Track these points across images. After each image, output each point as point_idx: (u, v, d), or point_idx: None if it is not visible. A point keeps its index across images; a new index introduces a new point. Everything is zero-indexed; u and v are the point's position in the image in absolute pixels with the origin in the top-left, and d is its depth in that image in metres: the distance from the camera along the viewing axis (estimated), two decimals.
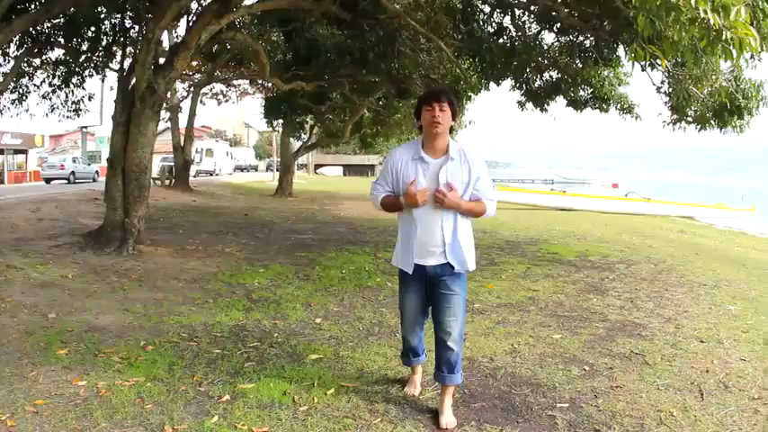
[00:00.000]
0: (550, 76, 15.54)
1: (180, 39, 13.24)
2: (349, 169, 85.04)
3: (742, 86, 10.58)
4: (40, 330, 6.50)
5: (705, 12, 4.37)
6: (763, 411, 4.66)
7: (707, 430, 4.31)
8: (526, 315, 7.54)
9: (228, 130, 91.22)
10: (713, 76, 10.20)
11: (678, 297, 8.91)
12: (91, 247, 11.89)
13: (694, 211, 36.19)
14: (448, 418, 4.36)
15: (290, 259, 11.47)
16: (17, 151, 49.11)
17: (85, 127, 54.24)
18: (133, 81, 12.86)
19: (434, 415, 4.45)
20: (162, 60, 13.30)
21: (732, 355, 6.08)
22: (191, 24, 13.17)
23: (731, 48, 4.99)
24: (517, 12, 13.58)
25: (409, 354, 4.83)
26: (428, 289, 4.44)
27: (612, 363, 5.73)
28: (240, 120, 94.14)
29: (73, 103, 20.71)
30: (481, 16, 13.83)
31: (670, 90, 11.24)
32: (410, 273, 4.40)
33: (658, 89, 11.49)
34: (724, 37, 4.72)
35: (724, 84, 10.70)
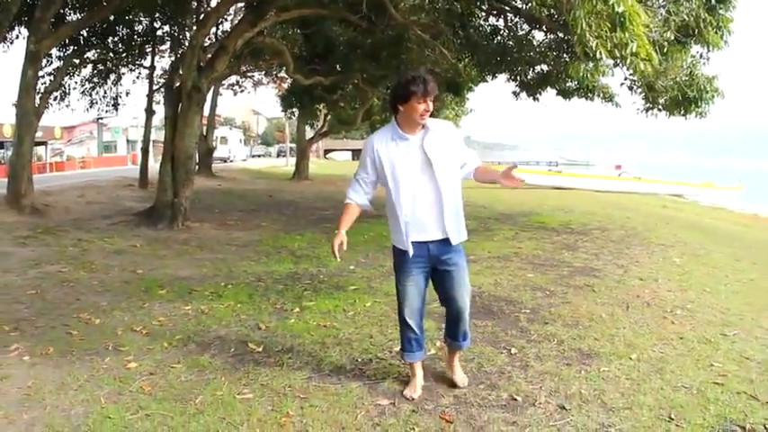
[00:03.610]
0: (541, 69, 17.27)
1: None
2: (357, 154, 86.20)
3: (696, 81, 12.57)
4: (135, 281, 8.55)
5: (599, 53, 6.54)
6: (669, 318, 6.71)
7: (623, 325, 6.37)
8: (509, 263, 9.69)
9: (237, 118, 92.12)
10: (670, 73, 12.15)
11: (635, 252, 11.04)
12: (144, 224, 13.93)
13: (683, 190, 38.13)
14: (462, 376, 4.74)
15: (319, 229, 13.59)
16: (37, 143, 50.62)
17: (101, 118, 55.74)
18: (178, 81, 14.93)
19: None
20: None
21: (662, 288, 8.19)
22: (229, 31, 15.19)
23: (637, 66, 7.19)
24: (509, 15, 15.44)
25: (412, 343, 4.62)
26: (430, 267, 4.45)
27: (567, 290, 7.91)
28: (249, 107, 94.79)
29: (112, 98, 22.72)
30: (478, 21, 15.75)
31: (638, 83, 13.23)
32: (411, 253, 4.36)
33: (622, 84, 13.50)
34: (628, 62, 6.92)
35: (684, 78, 12.68)
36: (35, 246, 11.12)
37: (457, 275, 4.42)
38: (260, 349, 5.57)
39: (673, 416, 4.19)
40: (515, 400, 4.48)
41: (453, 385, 4.65)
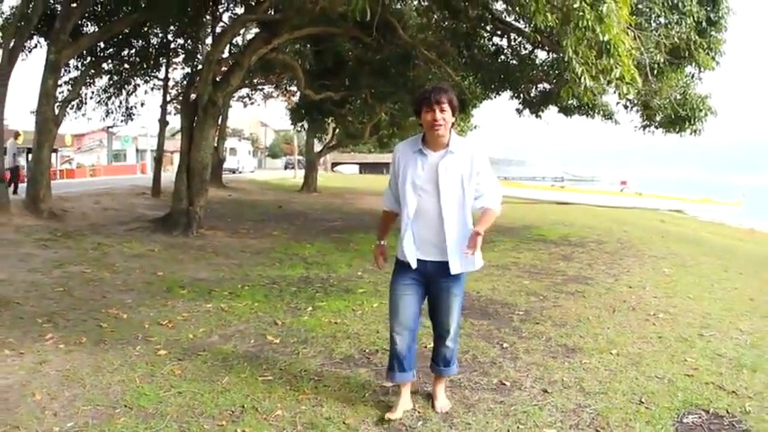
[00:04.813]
0: (544, 88, 17.89)
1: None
2: (365, 167, 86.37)
3: (689, 100, 13.22)
4: (157, 281, 9.14)
5: (585, 78, 7.19)
6: (651, 320, 7.29)
7: (608, 326, 6.98)
8: (507, 271, 10.31)
9: (245, 129, 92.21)
10: (664, 93, 12.77)
11: (627, 263, 11.66)
12: (160, 231, 14.46)
13: (683, 205, 38.69)
14: (442, 402, 4.61)
15: (329, 239, 14.22)
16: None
17: (111, 127, 55.98)
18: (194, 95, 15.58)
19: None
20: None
21: (648, 295, 8.79)
22: (244, 48, 15.85)
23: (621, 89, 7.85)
24: (512, 35, 16.03)
25: (395, 365, 4.50)
26: (426, 285, 4.42)
27: (559, 296, 8.54)
28: (257, 119, 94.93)
29: (126, 108, 23.35)
30: (482, 41, 16.37)
31: (633, 102, 13.89)
32: (413, 266, 4.31)
33: (618, 102, 14.16)
34: (613, 86, 7.57)
35: (678, 97, 13.32)
36: (56, 248, 11.62)
37: (448, 302, 4.41)
38: (277, 341, 6.18)
39: (643, 400, 4.76)
40: (504, 384, 5.07)
41: (433, 407, 4.59)
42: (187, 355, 5.71)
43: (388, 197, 4.63)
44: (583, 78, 7.48)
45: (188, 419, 4.32)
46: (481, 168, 4.25)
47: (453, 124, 4.26)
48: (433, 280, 4.36)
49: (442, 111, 4.11)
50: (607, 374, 5.33)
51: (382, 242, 4.76)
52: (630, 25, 8.69)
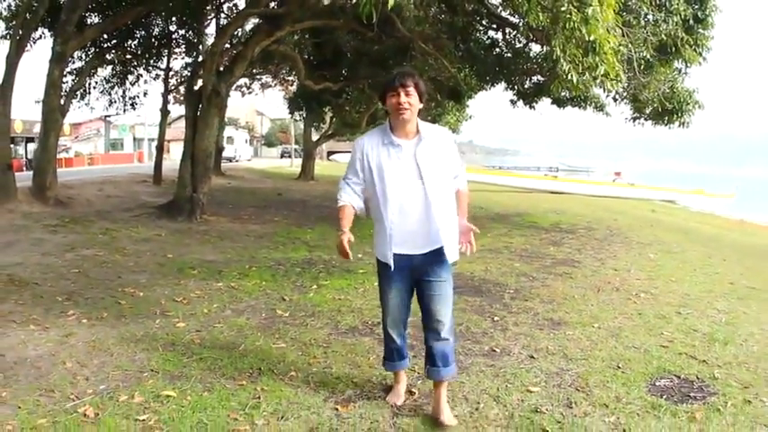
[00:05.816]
0: (537, 80, 18.34)
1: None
2: None
3: (677, 94, 13.75)
4: (168, 263, 9.64)
5: (571, 75, 7.72)
6: (633, 299, 7.81)
7: (592, 303, 7.50)
8: (499, 255, 10.85)
9: (241, 118, 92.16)
10: (652, 87, 13.28)
11: (614, 249, 12.20)
12: (165, 217, 14.96)
13: (675, 196, 39.25)
14: (447, 416, 4.16)
15: (328, 224, 14.65)
16: None
17: (108, 116, 56.05)
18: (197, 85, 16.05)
19: None
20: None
21: (632, 277, 9.31)
22: (247, 40, 16.33)
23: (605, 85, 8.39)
24: (507, 29, 16.49)
25: (394, 356, 4.53)
26: (413, 279, 4.25)
27: (548, 277, 9.08)
28: (253, 108, 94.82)
29: (130, 98, 23.78)
30: (478, 35, 16.86)
31: (622, 95, 14.42)
32: (391, 267, 4.14)
33: (607, 95, 14.69)
34: (598, 81, 8.12)
35: (666, 90, 13.83)
36: (65, 233, 12.09)
37: (438, 288, 4.17)
38: (287, 314, 6.71)
39: (620, 366, 5.27)
40: (494, 351, 5.60)
41: (439, 425, 4.14)
42: (204, 327, 6.21)
43: (347, 193, 4.32)
44: (570, 75, 8.05)
45: (211, 380, 4.79)
46: (454, 151, 4.22)
47: (420, 111, 4.10)
48: (420, 271, 4.17)
49: (407, 94, 3.97)
50: (588, 344, 5.84)
51: (346, 229, 4.27)
52: (618, 23, 9.21)
